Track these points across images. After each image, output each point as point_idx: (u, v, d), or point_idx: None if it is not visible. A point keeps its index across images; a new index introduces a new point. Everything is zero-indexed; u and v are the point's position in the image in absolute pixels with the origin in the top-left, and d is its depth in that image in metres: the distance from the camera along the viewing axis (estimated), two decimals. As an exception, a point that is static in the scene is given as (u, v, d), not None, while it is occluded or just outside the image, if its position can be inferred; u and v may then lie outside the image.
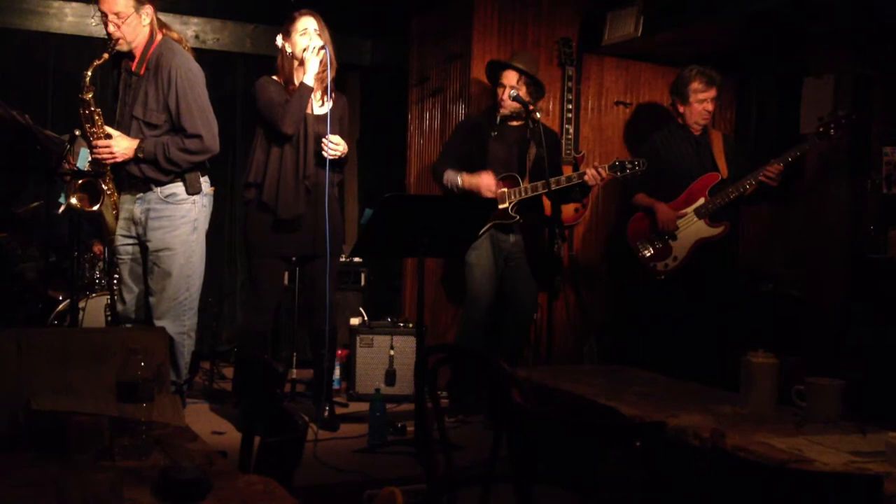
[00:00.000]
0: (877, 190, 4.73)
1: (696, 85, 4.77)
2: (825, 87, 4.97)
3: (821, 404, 2.58)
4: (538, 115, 4.69)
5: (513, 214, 4.65)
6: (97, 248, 5.25)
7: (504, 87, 4.68)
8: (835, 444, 2.27)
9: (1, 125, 4.92)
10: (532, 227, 4.77)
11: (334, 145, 4.20)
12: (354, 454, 4.00)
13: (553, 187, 4.52)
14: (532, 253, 4.80)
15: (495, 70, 4.79)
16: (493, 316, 4.84)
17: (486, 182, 4.60)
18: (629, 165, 4.60)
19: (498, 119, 4.75)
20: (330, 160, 4.20)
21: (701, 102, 4.79)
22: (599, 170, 4.58)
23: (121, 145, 3.83)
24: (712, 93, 4.79)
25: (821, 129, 4.46)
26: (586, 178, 4.57)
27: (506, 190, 4.65)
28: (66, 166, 4.49)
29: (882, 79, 4.81)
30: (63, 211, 4.99)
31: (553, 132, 5.00)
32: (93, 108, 3.84)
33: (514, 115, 4.74)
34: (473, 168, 4.70)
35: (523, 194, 4.64)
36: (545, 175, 4.49)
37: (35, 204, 5.09)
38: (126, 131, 3.88)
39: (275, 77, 4.32)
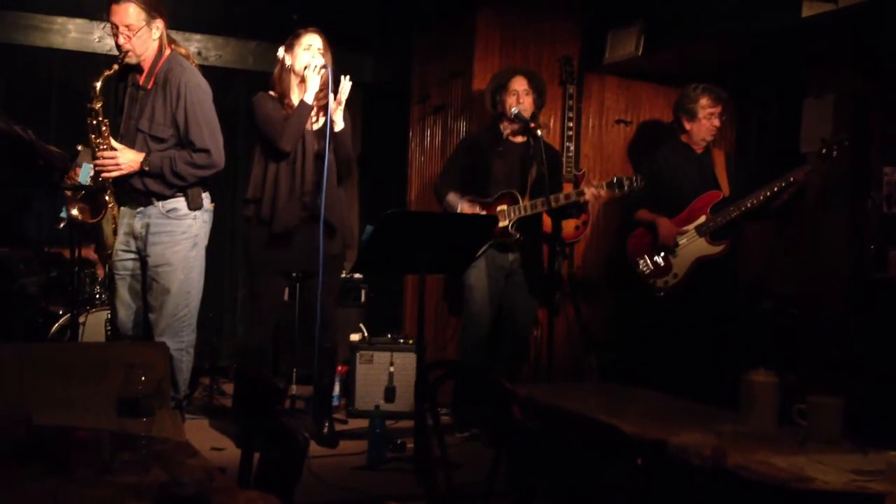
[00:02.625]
0: (877, 209, 4.74)
1: (705, 101, 4.79)
2: (825, 107, 4.99)
3: (822, 423, 2.57)
4: (540, 132, 4.68)
5: (513, 232, 4.65)
6: (89, 254, 5.23)
7: (516, 93, 4.68)
8: (836, 462, 2.26)
9: (3, 140, 4.93)
10: (531, 244, 4.77)
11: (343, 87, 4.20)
12: (354, 471, 3.99)
13: (553, 205, 4.53)
14: (531, 270, 4.79)
15: (504, 78, 4.78)
16: (493, 335, 4.83)
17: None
18: (627, 182, 4.60)
19: (503, 135, 4.76)
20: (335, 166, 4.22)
21: (710, 118, 4.81)
22: (600, 191, 4.58)
23: (126, 157, 3.83)
24: (720, 109, 4.82)
25: (823, 151, 4.48)
26: (586, 197, 4.58)
27: (505, 208, 4.66)
28: (69, 181, 4.50)
29: (882, 98, 4.83)
30: (64, 226, 5.00)
31: (553, 149, 5.01)
32: (101, 119, 3.84)
33: (518, 130, 4.75)
34: (476, 185, 4.70)
35: (523, 212, 4.64)
36: (546, 193, 4.50)
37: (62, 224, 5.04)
38: (130, 145, 3.88)
39: (271, 92, 4.34)
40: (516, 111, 4.61)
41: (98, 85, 3.82)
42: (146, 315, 3.97)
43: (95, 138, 3.86)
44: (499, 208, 4.65)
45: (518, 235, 4.66)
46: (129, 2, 3.79)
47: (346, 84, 4.20)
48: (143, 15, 3.82)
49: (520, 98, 4.69)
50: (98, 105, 3.84)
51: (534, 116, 4.71)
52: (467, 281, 4.73)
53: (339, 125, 4.23)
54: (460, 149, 4.98)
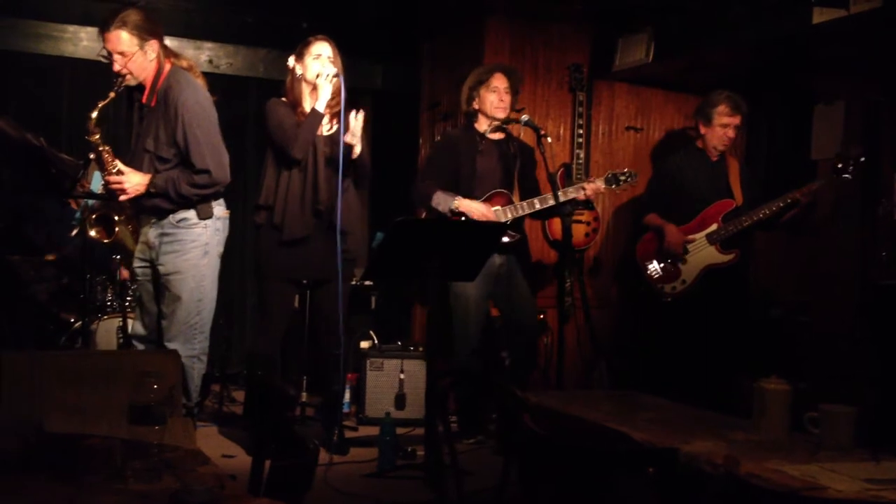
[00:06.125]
0: (888, 216, 4.72)
1: (722, 108, 4.78)
2: (836, 114, 4.98)
3: (835, 431, 2.56)
4: (549, 139, 4.64)
5: (512, 234, 4.57)
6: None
7: (497, 90, 4.63)
8: (849, 471, 2.25)
9: (16, 147, 4.95)
10: (520, 242, 4.71)
11: (355, 126, 4.17)
12: (364, 478, 3.98)
13: (551, 202, 4.49)
14: (524, 268, 4.73)
15: (485, 74, 4.71)
16: (487, 343, 4.78)
17: (481, 210, 4.54)
18: (622, 177, 4.60)
19: (481, 133, 4.68)
20: (351, 176, 4.23)
21: (724, 127, 4.79)
22: (599, 185, 4.57)
23: (132, 181, 3.85)
24: (736, 120, 4.79)
25: (839, 166, 4.46)
26: (587, 194, 4.54)
27: (500, 208, 4.62)
28: (81, 189, 4.52)
29: (892, 105, 4.82)
30: (76, 233, 5.02)
31: (528, 144, 4.88)
32: (101, 148, 3.86)
33: (497, 128, 4.70)
34: (458, 186, 4.64)
35: (520, 212, 4.58)
36: (533, 189, 4.45)
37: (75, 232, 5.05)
38: (139, 163, 3.90)
39: (283, 99, 4.35)
40: (527, 118, 4.57)
41: (93, 116, 3.82)
42: (161, 321, 3.99)
43: (101, 167, 3.89)
44: (493, 208, 4.60)
45: (518, 236, 4.62)
46: (121, 29, 3.79)
47: (357, 121, 4.19)
48: (135, 40, 3.82)
49: (501, 96, 4.66)
50: (96, 137, 3.84)
51: (508, 119, 4.68)
52: (455, 289, 4.62)
53: (357, 150, 4.24)
54: (439, 150, 4.87)
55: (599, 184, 4.58)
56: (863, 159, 4.44)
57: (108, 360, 2.38)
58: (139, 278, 4.04)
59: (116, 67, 3.83)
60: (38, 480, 1.86)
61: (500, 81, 4.66)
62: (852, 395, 3.50)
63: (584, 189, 4.55)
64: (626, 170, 4.66)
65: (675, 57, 5.15)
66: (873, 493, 2.08)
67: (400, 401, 5.07)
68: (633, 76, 5.56)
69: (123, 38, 3.80)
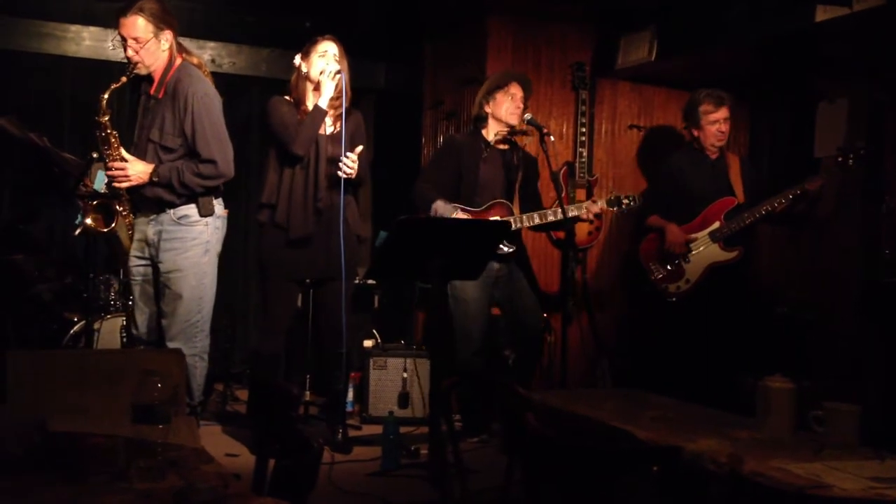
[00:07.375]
0: (891, 213, 4.71)
1: (705, 107, 4.77)
2: (839, 112, 4.97)
3: (839, 429, 2.56)
4: (552, 137, 4.64)
5: (509, 245, 4.58)
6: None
7: (513, 95, 4.64)
8: (853, 469, 2.25)
9: (18, 147, 4.96)
10: (518, 253, 4.73)
11: (351, 163, 4.19)
12: (368, 477, 3.98)
13: (551, 219, 4.51)
14: (524, 269, 4.75)
15: (503, 80, 4.71)
16: (489, 344, 4.78)
17: None
18: (625, 200, 4.62)
19: (488, 140, 4.69)
20: (345, 180, 4.21)
21: (713, 124, 4.78)
22: (600, 204, 4.61)
23: (136, 169, 3.86)
24: (723, 113, 4.78)
25: (840, 159, 4.45)
26: (584, 214, 4.57)
27: (499, 219, 4.60)
28: (84, 189, 4.52)
29: (895, 104, 4.81)
30: (79, 233, 5.02)
31: (532, 156, 4.91)
32: (109, 131, 3.87)
33: (506, 138, 4.71)
34: (459, 191, 4.64)
35: (518, 224, 4.59)
36: (533, 200, 4.46)
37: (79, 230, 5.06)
38: (142, 154, 3.90)
39: (286, 97, 4.35)
40: (530, 116, 4.58)
41: (105, 97, 3.84)
42: (160, 320, 3.99)
43: (106, 150, 3.89)
44: (492, 219, 4.58)
45: (514, 249, 4.63)
46: (137, 15, 3.81)
47: (353, 161, 4.19)
48: (150, 27, 3.84)
49: (518, 103, 4.65)
50: (105, 118, 3.85)
51: (514, 129, 4.69)
52: (454, 293, 4.62)
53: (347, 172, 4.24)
54: (444, 153, 4.86)
55: (601, 205, 4.61)
56: (862, 151, 4.44)
57: (111, 359, 2.38)
58: (135, 276, 4.03)
59: (129, 53, 3.85)
60: (41, 480, 1.86)
61: (517, 90, 4.68)
62: (857, 394, 3.50)
63: (585, 209, 4.58)
64: (629, 194, 4.67)
65: (678, 55, 5.14)
66: (878, 492, 2.08)
67: (403, 399, 5.08)
68: (636, 74, 5.55)
69: (139, 24, 3.82)
